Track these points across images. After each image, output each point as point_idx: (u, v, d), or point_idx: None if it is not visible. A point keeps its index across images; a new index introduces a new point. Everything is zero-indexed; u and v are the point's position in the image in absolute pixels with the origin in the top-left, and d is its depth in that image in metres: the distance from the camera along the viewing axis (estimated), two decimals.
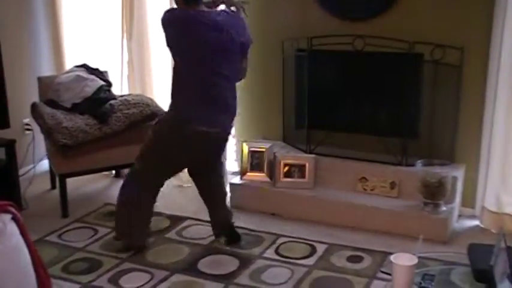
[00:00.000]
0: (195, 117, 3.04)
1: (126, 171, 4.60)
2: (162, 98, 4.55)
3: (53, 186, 4.43)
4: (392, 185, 3.66)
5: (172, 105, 3.17)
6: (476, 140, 3.63)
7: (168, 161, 3.19)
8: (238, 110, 3.30)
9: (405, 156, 3.66)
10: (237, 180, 4.02)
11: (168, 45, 3.05)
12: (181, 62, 3.08)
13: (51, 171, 4.41)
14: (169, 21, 3.02)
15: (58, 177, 3.97)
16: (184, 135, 3.05)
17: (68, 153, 3.83)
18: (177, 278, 3.09)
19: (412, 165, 3.58)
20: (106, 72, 4.52)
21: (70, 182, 4.00)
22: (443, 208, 3.46)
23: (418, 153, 3.63)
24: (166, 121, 3.19)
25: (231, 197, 3.94)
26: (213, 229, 3.53)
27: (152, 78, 4.64)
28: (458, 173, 3.58)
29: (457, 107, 3.63)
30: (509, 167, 3.53)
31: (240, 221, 3.67)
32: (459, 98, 3.62)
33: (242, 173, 4.03)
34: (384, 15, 3.74)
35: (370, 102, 3.85)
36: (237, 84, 3.24)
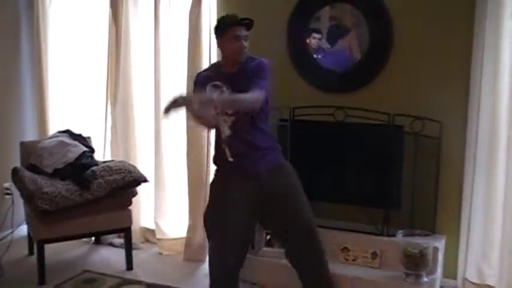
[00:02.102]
0: None
1: (108, 237, 4.58)
2: (146, 164, 4.57)
3: (31, 252, 4.36)
4: (374, 256, 3.65)
5: (279, 149, 3.12)
6: (456, 211, 3.66)
7: None
8: None
9: (387, 226, 3.67)
10: None
11: (267, 90, 2.97)
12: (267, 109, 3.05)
13: (29, 236, 4.35)
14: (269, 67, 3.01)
15: (36, 243, 3.91)
16: None
17: (48, 219, 3.79)
18: None
19: (394, 235, 3.58)
20: (89, 138, 4.54)
21: (48, 248, 3.93)
22: (425, 279, 3.44)
23: (400, 224, 3.64)
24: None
25: None
26: None
27: (136, 144, 4.67)
28: (439, 244, 3.58)
29: (437, 178, 3.68)
30: (490, 238, 3.55)
31: None
32: (439, 169, 3.68)
33: None
34: (364, 88, 3.84)
35: (352, 172, 3.88)
36: None
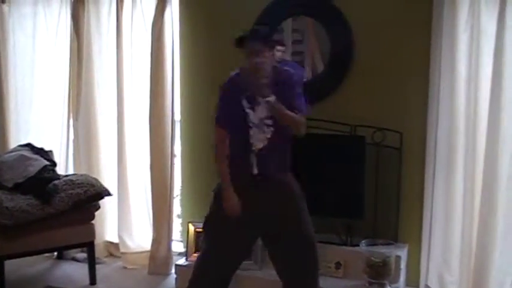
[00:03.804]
0: None
1: (71, 252, 4.52)
2: (109, 177, 4.53)
3: None
4: (338, 266, 3.68)
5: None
6: (418, 219, 3.72)
7: None
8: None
9: (350, 236, 3.71)
10: (182, 261, 3.97)
11: None
12: None
13: None
14: None
15: None
16: None
17: (8, 234, 3.73)
18: None
19: (357, 245, 3.62)
20: (51, 151, 4.47)
21: (9, 264, 3.86)
22: None
23: (363, 233, 3.68)
24: None
25: (176, 279, 3.87)
26: None
27: (99, 157, 4.63)
28: (401, 253, 3.63)
29: (398, 188, 3.74)
30: (450, 245, 3.62)
31: None
32: (400, 179, 3.74)
33: (188, 254, 3.98)
34: (326, 100, 3.89)
35: (314, 183, 3.90)
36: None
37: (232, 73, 2.96)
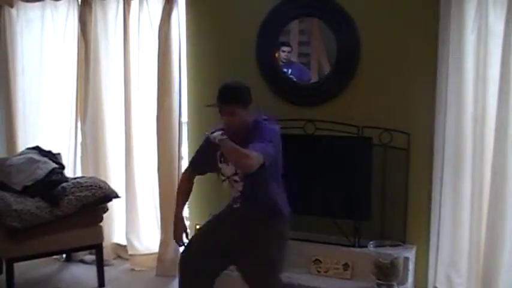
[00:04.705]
0: None
1: (79, 254, 4.53)
2: (116, 180, 4.54)
3: (0, 271, 4.28)
4: (346, 267, 3.68)
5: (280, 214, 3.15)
6: (425, 220, 3.71)
7: None
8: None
9: (358, 237, 3.71)
10: None
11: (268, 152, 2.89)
12: None
13: None
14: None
15: (5, 262, 3.84)
16: None
17: (17, 237, 3.74)
18: None
19: (365, 246, 3.62)
20: (59, 154, 4.50)
21: (18, 266, 3.88)
22: None
23: (370, 235, 3.68)
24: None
25: None
26: None
27: (106, 160, 4.65)
28: (409, 254, 3.62)
29: (406, 189, 3.73)
30: (458, 247, 3.61)
31: None
32: (408, 180, 3.73)
33: None
34: (333, 101, 3.89)
35: (322, 184, 3.91)
36: None
37: (218, 126, 3.01)
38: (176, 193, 3.30)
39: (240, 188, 3.03)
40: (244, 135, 2.90)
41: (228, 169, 3.04)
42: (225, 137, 2.84)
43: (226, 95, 2.92)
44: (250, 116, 2.98)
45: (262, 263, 2.99)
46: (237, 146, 2.79)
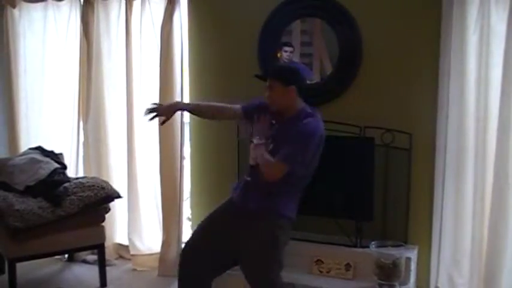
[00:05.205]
0: None
1: (81, 254, 4.54)
2: (118, 180, 4.55)
3: (2, 271, 4.28)
4: (348, 267, 3.68)
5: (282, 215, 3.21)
6: (428, 221, 3.71)
7: None
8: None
9: (359, 238, 3.71)
10: None
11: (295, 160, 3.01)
12: None
13: (0, 255, 4.28)
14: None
15: (7, 262, 3.85)
16: None
17: (19, 237, 3.75)
18: None
19: (367, 246, 3.61)
20: (61, 154, 4.51)
21: (20, 266, 3.88)
22: None
23: (372, 235, 3.67)
24: None
25: None
26: None
27: (108, 160, 4.65)
28: (411, 254, 3.62)
29: (408, 189, 3.73)
30: (460, 247, 3.61)
31: None
32: (410, 180, 3.73)
33: None
34: (335, 101, 3.89)
35: (324, 184, 3.90)
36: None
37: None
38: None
39: (253, 162, 3.12)
40: (286, 119, 3.09)
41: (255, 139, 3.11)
42: (262, 141, 3.00)
43: (271, 68, 3.11)
44: (292, 99, 3.09)
45: (256, 262, 3.02)
46: (267, 156, 2.96)
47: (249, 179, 3.17)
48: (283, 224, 3.14)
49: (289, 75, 3.09)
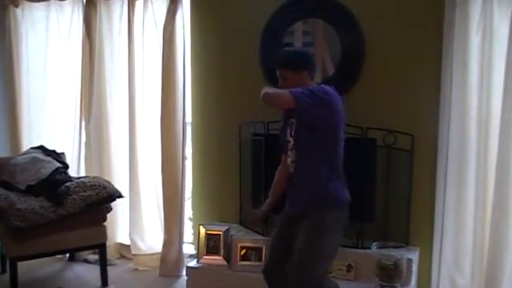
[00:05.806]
0: None
1: (83, 254, 4.54)
2: (120, 179, 4.55)
3: (3, 270, 4.30)
4: (349, 268, 3.67)
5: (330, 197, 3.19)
6: (429, 222, 3.71)
7: None
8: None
9: (361, 239, 3.70)
10: (193, 263, 3.97)
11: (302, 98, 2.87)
12: None
13: (1, 254, 4.29)
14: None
15: (9, 261, 3.86)
16: None
17: (21, 236, 3.75)
18: None
19: (368, 247, 3.61)
20: (63, 154, 4.51)
21: (22, 265, 3.88)
22: None
23: (374, 236, 3.67)
24: None
25: (187, 281, 3.88)
26: None
27: (110, 159, 4.65)
28: (413, 255, 3.62)
29: (409, 191, 3.73)
30: (462, 248, 3.61)
31: None
32: (411, 181, 3.73)
33: (199, 256, 3.98)
34: None
35: None
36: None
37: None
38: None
39: (293, 159, 3.08)
40: None
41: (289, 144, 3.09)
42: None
43: (280, 58, 3.02)
44: (307, 84, 2.96)
45: (296, 254, 2.94)
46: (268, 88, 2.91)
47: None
48: (330, 211, 3.08)
49: (298, 61, 3.01)
